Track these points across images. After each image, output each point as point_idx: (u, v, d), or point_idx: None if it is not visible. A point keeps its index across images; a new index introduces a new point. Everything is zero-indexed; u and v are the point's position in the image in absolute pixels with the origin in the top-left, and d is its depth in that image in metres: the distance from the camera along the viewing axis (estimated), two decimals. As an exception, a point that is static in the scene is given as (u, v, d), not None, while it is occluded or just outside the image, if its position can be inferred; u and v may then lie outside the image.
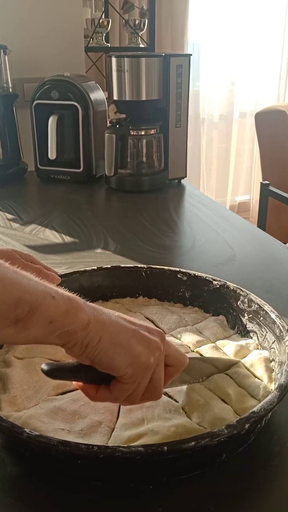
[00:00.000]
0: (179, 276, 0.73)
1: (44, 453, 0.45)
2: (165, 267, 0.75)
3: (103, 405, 0.52)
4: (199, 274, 0.72)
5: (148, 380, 0.46)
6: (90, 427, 0.49)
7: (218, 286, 0.70)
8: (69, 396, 0.54)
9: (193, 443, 0.43)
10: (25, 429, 0.44)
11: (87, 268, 0.73)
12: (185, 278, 0.73)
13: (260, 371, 0.58)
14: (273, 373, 0.58)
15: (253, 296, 0.66)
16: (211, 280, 0.71)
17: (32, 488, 0.47)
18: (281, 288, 0.84)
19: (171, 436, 0.48)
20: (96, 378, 0.45)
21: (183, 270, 0.74)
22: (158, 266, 0.75)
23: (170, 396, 0.54)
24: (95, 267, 0.74)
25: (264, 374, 0.57)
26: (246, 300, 0.67)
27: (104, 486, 0.46)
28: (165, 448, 0.42)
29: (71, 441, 0.43)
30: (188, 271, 0.73)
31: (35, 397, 0.54)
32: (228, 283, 0.70)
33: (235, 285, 0.69)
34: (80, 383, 0.47)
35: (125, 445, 0.44)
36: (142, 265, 0.75)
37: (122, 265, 0.76)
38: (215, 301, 0.71)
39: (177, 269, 0.74)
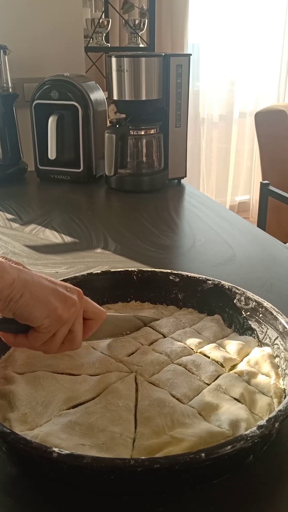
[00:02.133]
0: (171, 278, 0.73)
1: (75, 471, 0.43)
2: (156, 269, 0.74)
3: (119, 416, 0.51)
4: (192, 274, 0.72)
5: (65, 332, 0.53)
6: (111, 440, 0.48)
7: (212, 286, 0.70)
8: (82, 409, 0.52)
9: (229, 447, 0.42)
10: (54, 449, 0.42)
11: (76, 275, 0.72)
12: (177, 279, 0.72)
13: (266, 368, 0.58)
14: (279, 369, 0.58)
15: (250, 294, 0.66)
16: (205, 280, 0.71)
17: (33, 488, 0.47)
18: (281, 288, 0.84)
19: (197, 442, 0.47)
20: (17, 329, 0.52)
21: (175, 272, 0.73)
22: (149, 269, 0.74)
23: (180, 400, 0.54)
24: (85, 273, 0.73)
25: (271, 370, 0.57)
26: (242, 298, 0.67)
27: (133, 498, 0.45)
28: (203, 455, 0.41)
29: (105, 457, 0.42)
30: (180, 272, 0.73)
31: (45, 413, 0.52)
32: (223, 282, 0.69)
33: (230, 284, 0.69)
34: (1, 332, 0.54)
35: (162, 456, 0.43)
36: (133, 269, 0.74)
37: (112, 270, 0.74)
38: (210, 301, 0.70)
39: (169, 270, 0.73)
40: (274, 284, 0.85)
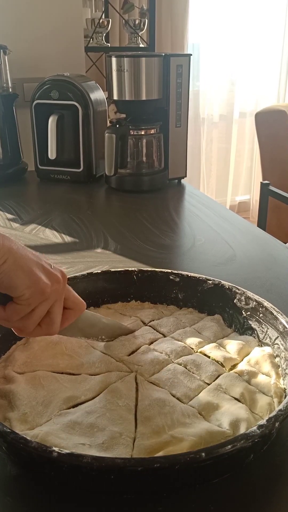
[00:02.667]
0: (171, 277, 0.73)
1: (74, 471, 0.43)
2: (157, 269, 0.74)
3: (119, 415, 0.51)
4: (192, 274, 0.72)
5: (45, 310, 0.51)
6: (111, 439, 0.48)
7: (212, 285, 0.70)
8: (83, 409, 0.52)
9: (229, 446, 0.42)
10: (54, 448, 0.42)
11: (76, 274, 0.72)
12: (177, 279, 0.72)
13: (266, 367, 0.58)
14: (280, 369, 0.58)
15: (250, 294, 0.66)
16: (205, 279, 0.70)
17: (33, 488, 0.47)
18: (281, 288, 0.84)
19: (198, 441, 0.47)
20: None
21: (175, 272, 0.73)
22: (149, 269, 0.74)
23: (180, 400, 0.54)
24: (85, 273, 0.73)
25: (271, 370, 0.57)
26: (243, 298, 0.67)
27: (134, 498, 0.45)
28: (203, 454, 0.41)
29: (105, 457, 0.42)
30: (180, 272, 0.73)
31: (46, 413, 0.52)
32: (223, 282, 0.69)
33: (230, 284, 0.69)
34: None
35: (162, 456, 0.43)
36: (133, 268, 0.74)
37: (112, 269, 0.74)
38: (210, 301, 0.70)
39: (169, 270, 0.73)
40: (274, 284, 0.85)
